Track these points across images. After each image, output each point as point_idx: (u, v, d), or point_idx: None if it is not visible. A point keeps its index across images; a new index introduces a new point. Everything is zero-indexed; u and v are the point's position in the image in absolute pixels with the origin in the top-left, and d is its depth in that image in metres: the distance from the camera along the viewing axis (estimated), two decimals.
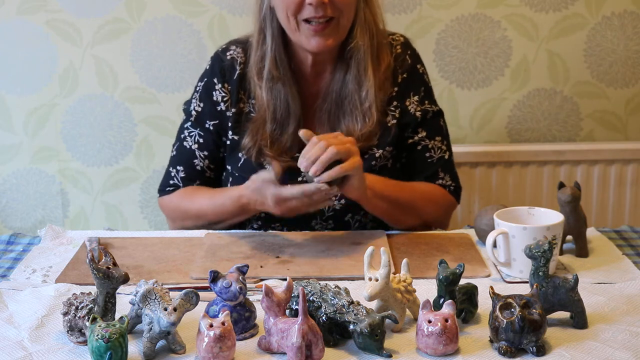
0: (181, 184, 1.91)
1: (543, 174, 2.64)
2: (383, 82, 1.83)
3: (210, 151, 1.90)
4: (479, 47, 2.67)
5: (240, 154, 1.86)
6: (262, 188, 1.69)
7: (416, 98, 1.87)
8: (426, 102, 1.89)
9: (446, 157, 1.90)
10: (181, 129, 1.93)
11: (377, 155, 1.84)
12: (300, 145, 1.77)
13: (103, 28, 2.64)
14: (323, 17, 1.71)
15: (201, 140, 1.89)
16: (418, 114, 1.87)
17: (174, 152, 1.94)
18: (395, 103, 1.86)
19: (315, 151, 1.57)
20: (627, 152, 2.63)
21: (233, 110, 1.86)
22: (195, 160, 1.90)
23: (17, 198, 2.78)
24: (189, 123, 1.92)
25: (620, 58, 2.69)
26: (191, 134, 1.90)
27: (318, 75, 1.86)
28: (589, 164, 2.64)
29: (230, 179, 1.89)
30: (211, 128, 1.89)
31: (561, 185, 1.63)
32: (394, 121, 1.85)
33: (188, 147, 1.91)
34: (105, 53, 2.66)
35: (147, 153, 2.75)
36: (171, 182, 1.92)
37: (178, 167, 1.91)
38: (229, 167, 1.90)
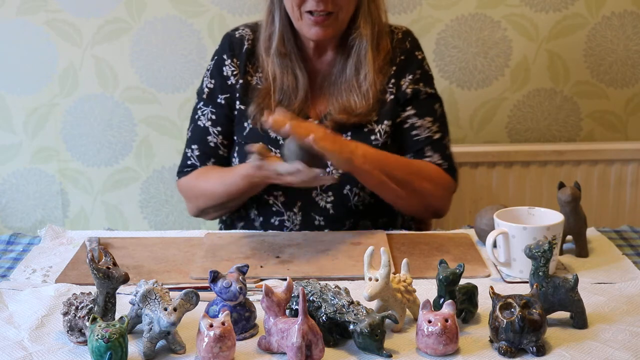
0: (197, 163, 1.95)
1: (543, 174, 2.64)
2: (382, 67, 1.91)
3: (222, 126, 1.95)
4: (479, 47, 2.67)
5: (245, 124, 1.91)
6: (262, 167, 1.71)
7: (410, 77, 1.92)
8: (421, 84, 1.93)
9: (436, 137, 1.92)
10: (194, 111, 1.99)
11: (376, 130, 1.89)
12: (304, 116, 1.88)
13: (103, 28, 2.65)
14: (324, 10, 1.80)
15: (214, 117, 1.95)
16: (408, 90, 1.92)
17: (189, 134, 1.99)
18: (393, 81, 1.92)
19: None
20: (627, 152, 2.63)
21: (240, 81, 1.93)
22: (209, 137, 1.95)
23: (17, 198, 2.78)
24: (201, 103, 1.97)
25: (620, 58, 2.69)
26: (204, 113, 1.96)
27: (320, 55, 1.94)
28: (589, 164, 2.64)
29: (237, 148, 1.94)
30: (222, 102, 1.94)
31: (561, 185, 1.63)
32: (392, 97, 1.91)
33: (202, 125, 1.96)
34: (105, 53, 2.66)
35: (147, 153, 2.75)
36: (188, 162, 1.97)
37: (193, 147, 1.96)
38: (235, 137, 1.95)
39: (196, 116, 1.97)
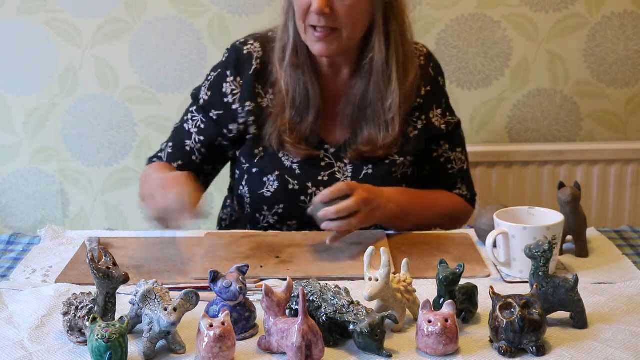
0: (165, 159, 1.93)
1: (543, 174, 2.64)
2: (409, 93, 1.84)
3: (207, 137, 1.90)
4: (479, 47, 2.67)
5: (257, 150, 1.87)
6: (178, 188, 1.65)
7: (439, 111, 1.91)
8: (447, 114, 1.93)
9: (465, 167, 1.96)
10: (186, 112, 1.95)
11: (398, 162, 1.86)
12: (319, 136, 1.84)
13: (103, 28, 2.65)
14: (325, 26, 1.74)
15: (202, 126, 1.91)
16: (443, 126, 1.90)
17: (172, 131, 1.97)
18: (417, 114, 1.88)
19: (344, 209, 1.61)
20: (627, 152, 2.63)
21: (252, 104, 1.86)
22: (187, 141, 1.91)
23: (17, 198, 2.79)
24: (195, 107, 1.93)
25: (620, 58, 2.69)
26: (194, 118, 1.92)
27: (336, 75, 1.88)
28: (589, 164, 2.64)
29: (247, 177, 1.89)
30: (214, 117, 1.90)
31: (561, 185, 1.63)
32: (416, 132, 1.88)
33: (187, 128, 1.92)
34: (105, 53, 2.66)
35: (147, 153, 2.74)
36: (159, 154, 1.95)
37: (170, 143, 1.94)
38: (243, 160, 1.89)
39: (185, 117, 1.94)
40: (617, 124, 2.75)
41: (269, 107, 1.85)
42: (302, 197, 1.84)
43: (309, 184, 1.83)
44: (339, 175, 1.85)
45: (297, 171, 1.84)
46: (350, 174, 1.85)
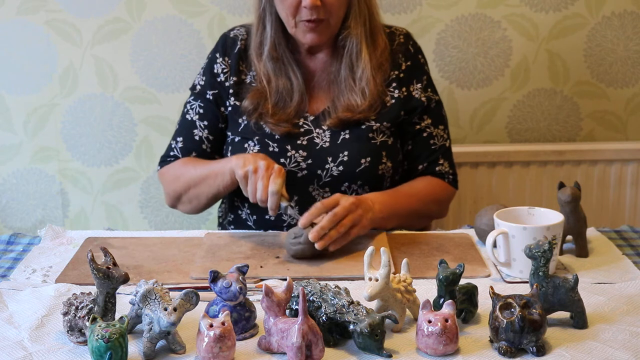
0: (180, 154, 1.99)
1: (543, 174, 2.64)
2: (381, 63, 1.93)
3: (209, 121, 1.98)
4: (479, 47, 2.67)
5: (240, 120, 1.94)
6: (254, 155, 1.77)
7: (419, 85, 1.97)
8: (429, 90, 1.99)
9: (447, 145, 2.01)
10: (184, 106, 2.03)
11: (374, 127, 1.91)
12: (301, 114, 1.91)
13: (103, 28, 2.65)
14: (317, 18, 1.83)
15: (201, 111, 1.99)
16: (423, 99, 1.96)
17: (177, 126, 2.04)
18: (394, 84, 1.94)
19: (327, 224, 1.63)
20: (627, 152, 2.63)
21: (234, 79, 1.96)
22: (195, 130, 1.99)
23: (17, 198, 2.78)
24: (192, 97, 2.02)
25: (620, 58, 2.69)
26: (192, 107, 2.00)
27: (314, 55, 1.97)
28: (589, 164, 2.64)
29: (230, 148, 1.95)
30: (211, 98, 1.98)
31: (561, 185, 1.63)
32: (393, 101, 1.93)
33: (189, 118, 2.00)
34: (105, 53, 2.66)
35: (147, 153, 2.75)
36: (171, 153, 2.01)
37: (178, 139, 2.01)
38: (229, 134, 1.97)
39: (185, 110, 2.02)
40: (617, 124, 2.75)
41: (251, 84, 1.94)
42: (282, 160, 1.88)
43: (288, 147, 1.89)
44: (317, 140, 1.90)
45: (277, 136, 1.90)
46: (328, 139, 1.90)
